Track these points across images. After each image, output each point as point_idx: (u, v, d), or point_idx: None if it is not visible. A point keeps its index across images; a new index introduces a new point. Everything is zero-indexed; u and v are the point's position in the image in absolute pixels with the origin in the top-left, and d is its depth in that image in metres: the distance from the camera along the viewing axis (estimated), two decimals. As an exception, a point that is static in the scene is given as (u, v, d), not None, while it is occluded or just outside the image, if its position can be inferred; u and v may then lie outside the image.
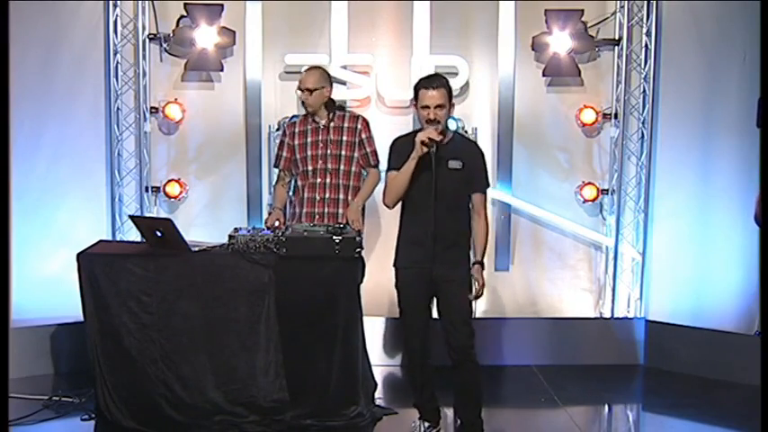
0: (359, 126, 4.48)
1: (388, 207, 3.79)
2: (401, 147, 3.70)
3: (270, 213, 4.58)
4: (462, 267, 3.71)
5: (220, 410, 3.94)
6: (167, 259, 3.96)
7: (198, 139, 5.36)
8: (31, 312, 4.84)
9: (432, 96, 3.59)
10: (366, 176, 4.54)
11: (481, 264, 3.72)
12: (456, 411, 3.87)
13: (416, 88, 3.67)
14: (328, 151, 4.44)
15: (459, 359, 3.69)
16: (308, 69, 4.54)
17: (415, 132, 3.70)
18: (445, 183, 3.60)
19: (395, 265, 3.79)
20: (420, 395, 3.90)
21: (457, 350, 3.68)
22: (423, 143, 3.54)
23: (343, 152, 4.44)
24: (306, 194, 4.48)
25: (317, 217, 4.43)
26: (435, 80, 3.66)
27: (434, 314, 3.81)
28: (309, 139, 4.47)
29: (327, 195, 4.44)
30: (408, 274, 3.72)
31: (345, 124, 4.47)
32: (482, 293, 3.74)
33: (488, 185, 3.83)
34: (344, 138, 4.45)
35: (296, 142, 4.50)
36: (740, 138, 5.00)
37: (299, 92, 4.49)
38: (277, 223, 4.32)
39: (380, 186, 4.67)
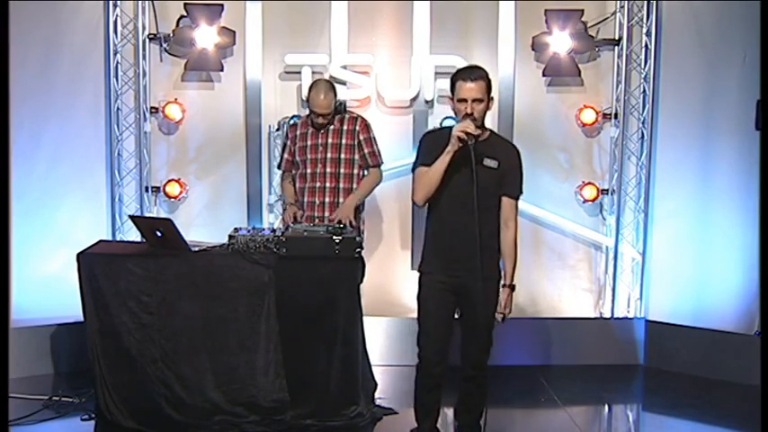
0: (357, 128, 4.47)
1: (417, 205, 3.50)
2: (432, 142, 3.46)
3: (284, 210, 4.58)
4: (492, 280, 3.48)
5: (220, 410, 3.94)
6: (167, 259, 3.95)
7: (198, 139, 5.37)
8: (31, 312, 4.83)
9: (470, 89, 3.33)
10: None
11: (511, 287, 3.51)
12: (456, 414, 3.81)
13: (453, 80, 3.39)
14: (328, 155, 4.43)
15: (472, 374, 3.61)
16: (319, 91, 4.35)
17: (444, 128, 3.50)
18: (480, 182, 3.34)
19: (419, 270, 3.57)
20: (423, 418, 3.67)
21: (471, 366, 3.59)
22: (459, 137, 3.30)
23: (343, 155, 4.44)
24: (306, 198, 4.48)
25: (317, 221, 4.42)
26: (474, 72, 3.38)
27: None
28: (309, 143, 4.46)
29: (327, 199, 4.44)
30: (433, 282, 3.50)
31: (344, 127, 4.46)
32: (507, 316, 3.53)
33: (521, 192, 3.53)
34: (344, 140, 4.44)
35: (296, 145, 4.50)
36: (740, 138, 4.99)
37: (314, 114, 4.37)
38: (298, 216, 4.37)
39: (381, 187, 4.72)
